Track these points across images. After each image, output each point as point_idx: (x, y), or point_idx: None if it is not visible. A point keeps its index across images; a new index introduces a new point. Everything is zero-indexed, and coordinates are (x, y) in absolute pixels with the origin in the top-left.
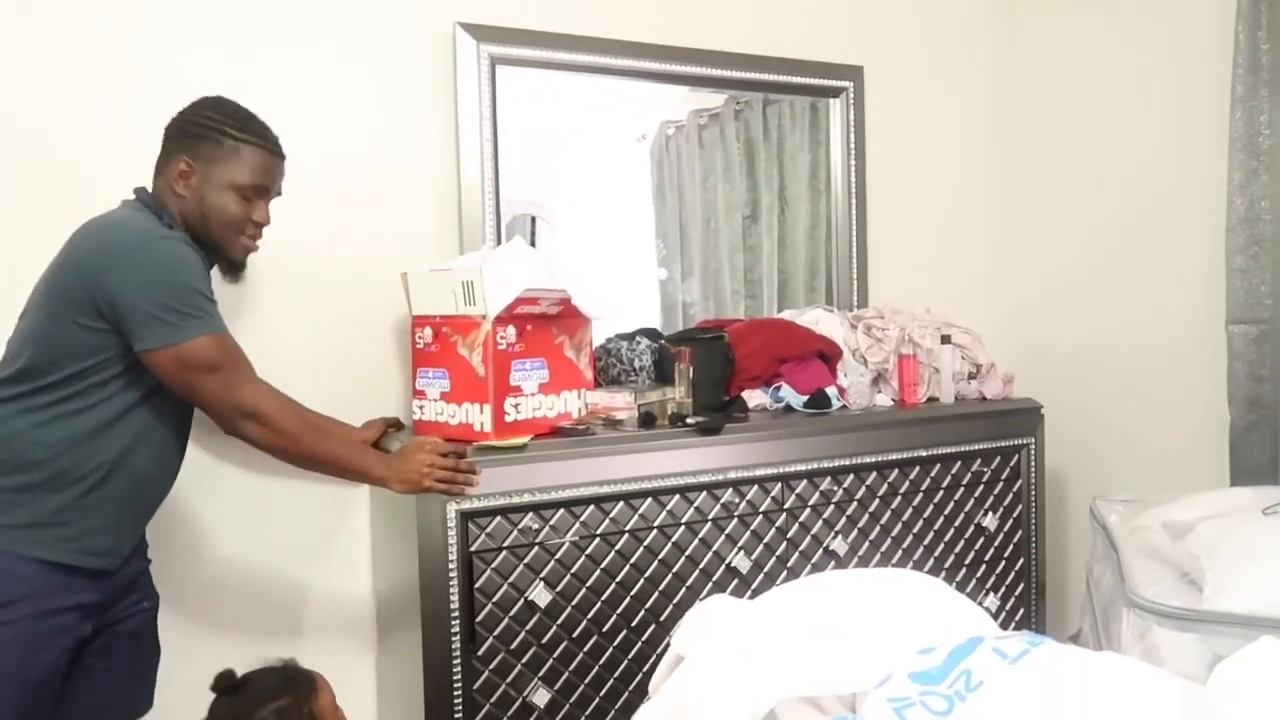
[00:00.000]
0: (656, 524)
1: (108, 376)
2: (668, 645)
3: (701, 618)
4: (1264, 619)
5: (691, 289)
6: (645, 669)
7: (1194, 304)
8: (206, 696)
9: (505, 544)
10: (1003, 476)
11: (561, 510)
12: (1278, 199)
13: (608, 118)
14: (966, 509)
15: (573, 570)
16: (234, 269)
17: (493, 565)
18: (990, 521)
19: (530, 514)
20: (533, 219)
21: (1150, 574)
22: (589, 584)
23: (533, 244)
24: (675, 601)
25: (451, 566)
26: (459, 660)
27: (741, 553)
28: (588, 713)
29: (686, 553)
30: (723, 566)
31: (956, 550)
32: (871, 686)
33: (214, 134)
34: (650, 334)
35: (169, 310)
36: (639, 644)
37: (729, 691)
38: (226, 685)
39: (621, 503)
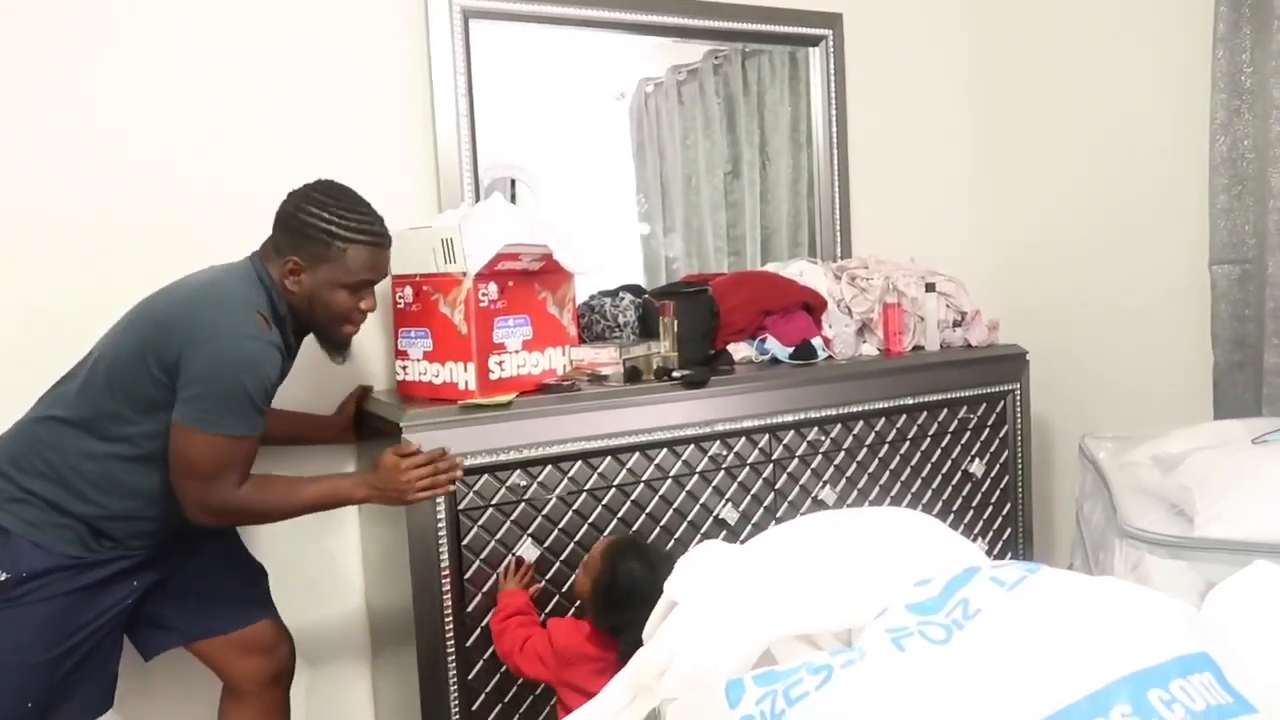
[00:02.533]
0: (644, 478)
1: (155, 429)
2: (660, 593)
3: (694, 563)
4: (1256, 544)
5: (674, 245)
6: None
7: (1178, 245)
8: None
9: (493, 501)
10: (989, 423)
11: (549, 466)
12: (1261, 138)
13: (586, 76)
14: (953, 456)
15: (560, 526)
16: (339, 349)
17: (479, 522)
18: (977, 468)
19: (517, 471)
20: (512, 181)
21: (1141, 507)
22: (577, 539)
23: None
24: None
25: (440, 525)
26: (450, 619)
27: (729, 505)
28: None
29: (674, 506)
30: (710, 519)
31: (944, 497)
32: (867, 620)
33: (322, 237)
34: (633, 290)
35: (214, 401)
36: None
37: (724, 632)
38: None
39: (609, 458)
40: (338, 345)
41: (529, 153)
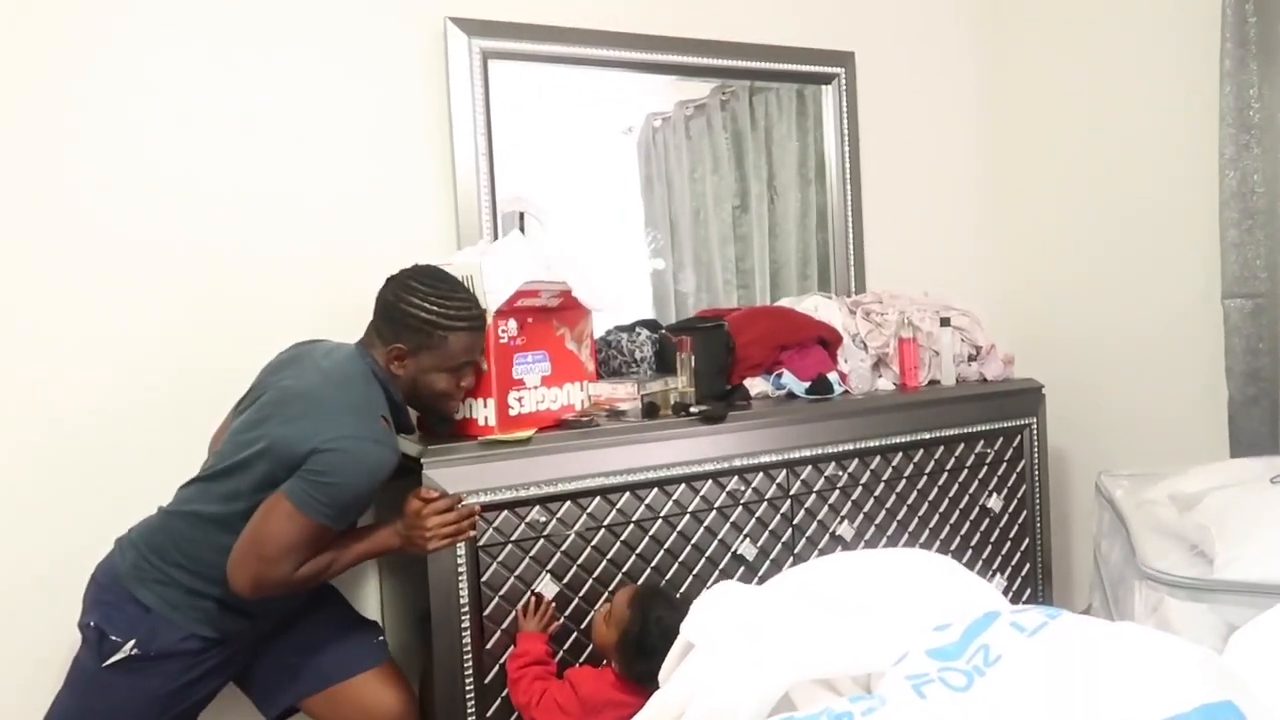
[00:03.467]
0: (662, 514)
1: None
2: (676, 634)
3: (710, 604)
4: (1277, 586)
5: (684, 280)
6: None
7: (1190, 279)
8: None
9: (512, 537)
10: (1006, 457)
11: (568, 502)
12: (1270, 172)
13: (594, 111)
14: (971, 490)
15: (579, 562)
16: (443, 422)
17: (499, 559)
18: (995, 502)
19: (536, 507)
20: (521, 215)
21: (1160, 546)
22: (595, 575)
23: None
24: (682, 591)
25: (459, 561)
26: (469, 655)
27: (747, 540)
28: None
29: (692, 542)
30: (729, 555)
31: (962, 532)
32: (887, 665)
33: (425, 327)
34: (649, 325)
35: (328, 491)
36: None
37: (742, 676)
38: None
39: (627, 493)
40: (441, 418)
41: (538, 186)
